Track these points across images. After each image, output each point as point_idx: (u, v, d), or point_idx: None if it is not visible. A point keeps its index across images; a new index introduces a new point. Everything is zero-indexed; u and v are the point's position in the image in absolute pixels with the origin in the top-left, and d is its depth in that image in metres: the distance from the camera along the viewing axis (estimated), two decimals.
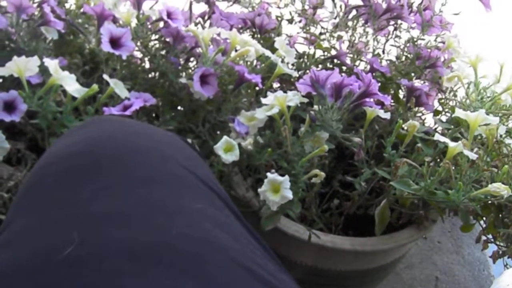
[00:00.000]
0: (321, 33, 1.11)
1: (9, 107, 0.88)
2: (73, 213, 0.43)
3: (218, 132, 0.89)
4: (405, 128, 0.92)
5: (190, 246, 0.41)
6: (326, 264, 0.94)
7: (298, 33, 1.11)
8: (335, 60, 1.07)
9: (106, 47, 0.83)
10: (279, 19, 1.09)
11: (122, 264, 0.38)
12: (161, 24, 0.94)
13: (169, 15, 0.87)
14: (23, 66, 0.82)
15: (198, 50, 0.96)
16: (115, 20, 0.94)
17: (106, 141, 0.53)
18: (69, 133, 0.58)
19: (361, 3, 1.08)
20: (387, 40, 1.10)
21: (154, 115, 1.01)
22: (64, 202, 0.45)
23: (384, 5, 1.06)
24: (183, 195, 0.49)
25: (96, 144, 0.52)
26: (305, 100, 0.85)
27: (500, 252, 0.94)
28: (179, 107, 0.95)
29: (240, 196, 0.87)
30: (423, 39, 1.06)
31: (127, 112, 0.78)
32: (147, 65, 1.01)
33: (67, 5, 1.11)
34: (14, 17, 0.98)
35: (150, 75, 1.01)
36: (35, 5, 1.04)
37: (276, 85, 1.05)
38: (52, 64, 0.80)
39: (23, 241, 0.43)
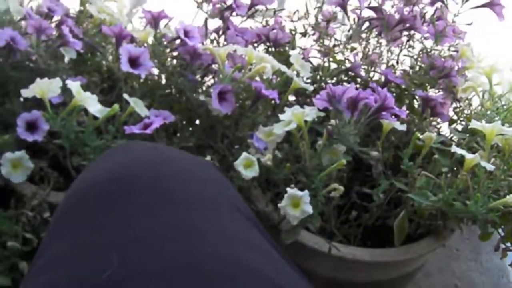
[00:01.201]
0: (334, 45, 1.12)
1: (32, 127, 0.90)
2: (110, 238, 0.45)
3: (237, 147, 0.90)
4: (421, 139, 0.92)
5: (223, 267, 0.42)
6: (346, 276, 0.94)
7: (311, 45, 1.12)
8: (349, 72, 1.08)
9: (125, 67, 0.84)
10: (293, 32, 1.10)
11: (158, 287, 0.39)
12: (177, 41, 0.96)
13: (186, 33, 0.89)
14: (46, 88, 0.84)
15: (214, 66, 0.98)
16: (132, 40, 0.95)
17: (138, 167, 0.55)
18: (102, 159, 0.60)
19: (374, 15, 1.09)
20: (400, 51, 1.11)
21: (172, 130, 1.02)
22: (100, 226, 0.47)
23: (397, 16, 1.07)
24: (213, 217, 0.50)
25: (128, 170, 0.54)
26: (322, 114, 0.86)
27: None
28: (197, 122, 0.96)
29: (260, 210, 0.88)
30: (436, 50, 1.06)
31: (148, 131, 0.80)
32: (163, 81, 1.03)
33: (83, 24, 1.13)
34: (33, 38, 1.00)
35: (166, 91, 1.02)
36: (53, 24, 1.06)
37: (291, 97, 1.06)
38: (74, 85, 0.81)
39: (62, 265, 0.44)
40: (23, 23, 1.08)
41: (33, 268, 0.48)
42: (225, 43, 1.06)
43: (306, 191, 0.78)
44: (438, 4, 1.07)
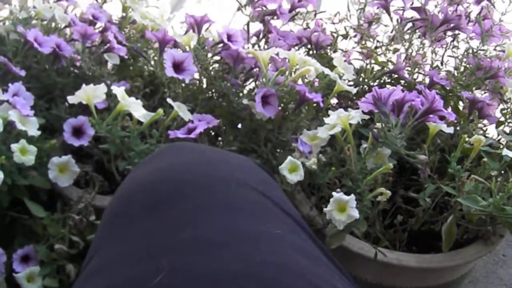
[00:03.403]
0: (376, 47, 1.10)
1: (78, 132, 0.92)
2: (161, 241, 0.45)
3: (280, 151, 0.90)
4: (469, 141, 0.90)
5: (273, 273, 0.42)
6: (391, 281, 0.92)
7: (353, 48, 1.11)
8: (393, 74, 1.06)
9: (169, 72, 0.85)
10: (335, 35, 1.09)
11: None
12: (220, 45, 0.96)
13: (229, 37, 0.89)
14: (92, 93, 0.85)
15: (256, 69, 0.98)
16: (175, 45, 0.96)
17: (186, 169, 0.54)
18: (149, 160, 0.60)
19: (417, 16, 1.07)
20: (445, 52, 1.09)
21: (214, 134, 1.03)
22: (150, 230, 0.47)
23: (441, 16, 1.05)
24: (262, 221, 0.50)
25: (177, 172, 0.54)
26: (366, 117, 0.85)
27: None
28: (239, 126, 0.96)
29: (304, 214, 0.87)
30: (483, 50, 1.04)
31: (192, 135, 0.80)
32: (204, 84, 1.03)
33: (125, 30, 1.15)
34: (80, 45, 1.02)
35: (208, 95, 1.03)
36: (96, 30, 1.08)
37: (333, 100, 1.05)
38: (119, 91, 0.82)
39: (112, 269, 0.44)
40: (67, 30, 1.10)
41: (84, 271, 0.49)
42: (266, 46, 1.05)
43: (352, 196, 0.76)
44: (484, 3, 1.04)
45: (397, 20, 1.06)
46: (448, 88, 1.03)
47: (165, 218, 0.47)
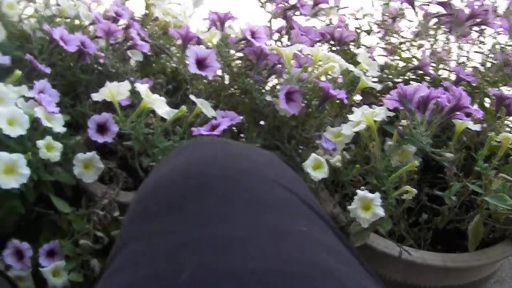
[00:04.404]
0: (401, 43, 1.09)
1: (102, 128, 0.93)
2: (184, 238, 0.44)
3: (303, 148, 0.89)
4: (496, 139, 0.88)
5: (300, 270, 0.41)
6: (415, 280, 0.91)
7: (377, 43, 1.10)
8: (417, 70, 1.05)
9: (193, 68, 0.85)
10: (358, 30, 1.08)
11: None
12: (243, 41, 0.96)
13: (252, 34, 0.88)
14: (116, 91, 0.85)
15: (279, 66, 0.97)
16: (198, 41, 0.96)
17: (211, 164, 0.54)
18: (173, 156, 0.60)
19: (443, 11, 1.05)
20: (471, 47, 1.07)
21: (236, 130, 1.02)
22: (175, 226, 0.47)
23: (467, 11, 1.03)
24: (289, 217, 0.49)
25: (201, 167, 0.53)
26: (391, 114, 0.84)
27: None
28: (261, 123, 0.96)
29: (328, 212, 0.86)
30: (511, 45, 1.02)
31: (216, 132, 0.80)
32: (226, 81, 1.03)
33: (148, 26, 1.15)
34: (102, 42, 1.02)
35: (230, 91, 1.02)
36: (119, 27, 1.08)
37: (356, 97, 1.04)
38: (143, 88, 0.83)
39: (139, 265, 0.44)
40: (90, 27, 1.11)
41: (110, 267, 0.49)
42: (289, 42, 1.05)
43: (378, 194, 0.76)
44: None
45: (423, 15, 1.04)
46: (474, 84, 1.01)
47: (189, 214, 0.47)
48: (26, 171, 0.81)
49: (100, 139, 0.91)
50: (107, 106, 0.96)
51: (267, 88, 0.98)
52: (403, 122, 0.82)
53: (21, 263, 0.89)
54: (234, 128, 1.01)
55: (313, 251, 0.45)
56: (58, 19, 1.10)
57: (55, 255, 0.90)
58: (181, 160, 0.57)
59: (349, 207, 0.77)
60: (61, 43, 0.96)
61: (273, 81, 1.02)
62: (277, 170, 0.58)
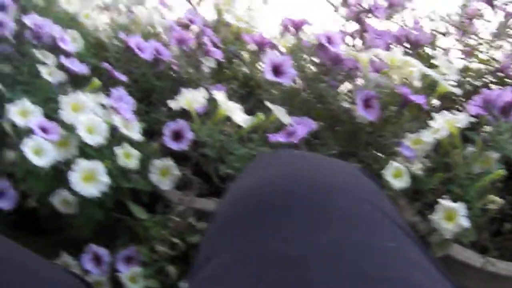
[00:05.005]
0: (479, 44, 1.05)
1: (177, 135, 0.94)
2: (274, 254, 0.44)
3: (380, 155, 0.87)
4: None
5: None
6: None
7: (454, 45, 1.06)
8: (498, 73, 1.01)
9: (269, 75, 0.85)
10: (434, 33, 1.05)
11: None
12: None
13: (328, 39, 0.87)
14: (192, 98, 0.86)
15: (354, 71, 0.95)
16: (272, 47, 0.96)
17: (296, 179, 0.54)
18: (256, 167, 0.60)
19: None
20: None
21: (311, 137, 1.01)
22: (263, 241, 0.46)
23: None
24: (375, 233, 0.48)
25: (286, 182, 0.53)
26: (473, 120, 0.81)
27: None
28: (336, 129, 0.95)
29: (407, 221, 0.84)
30: None
31: (294, 140, 0.79)
32: (300, 87, 1.02)
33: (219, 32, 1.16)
34: (175, 49, 1.04)
35: (304, 96, 1.01)
36: (191, 34, 1.09)
37: (433, 101, 1.01)
38: (219, 95, 0.83)
39: (224, 280, 0.44)
40: (163, 34, 1.13)
41: (195, 280, 0.49)
42: (362, 46, 1.03)
43: (462, 204, 0.73)
44: None
45: (505, 15, 1.00)
46: None
47: (277, 230, 0.47)
48: (106, 179, 0.83)
49: (176, 146, 0.93)
50: (181, 113, 0.97)
51: (341, 93, 0.96)
52: (487, 128, 0.79)
53: (99, 268, 0.91)
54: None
55: (402, 268, 0.44)
56: (132, 27, 1.12)
57: (131, 261, 0.92)
58: (268, 171, 0.57)
59: (431, 216, 0.75)
60: (138, 51, 0.98)
61: (345, 85, 1.00)
62: (361, 184, 0.57)
